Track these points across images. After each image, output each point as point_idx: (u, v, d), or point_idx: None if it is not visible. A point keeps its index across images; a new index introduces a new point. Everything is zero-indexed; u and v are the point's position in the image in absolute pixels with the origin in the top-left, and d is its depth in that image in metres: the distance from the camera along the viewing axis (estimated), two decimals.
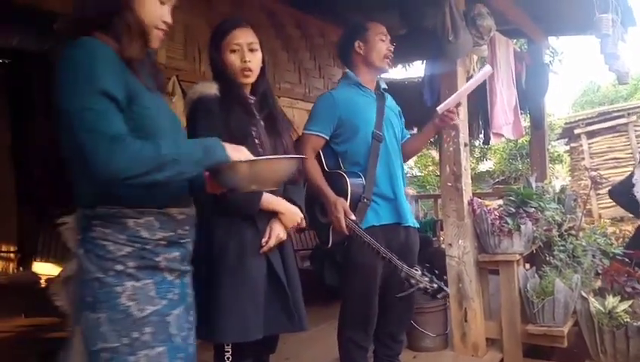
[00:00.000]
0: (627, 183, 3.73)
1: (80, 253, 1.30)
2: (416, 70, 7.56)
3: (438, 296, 2.19)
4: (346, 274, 2.36)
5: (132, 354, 1.28)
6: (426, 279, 2.15)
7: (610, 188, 4.23)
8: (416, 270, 2.16)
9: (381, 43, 2.39)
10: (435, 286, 2.16)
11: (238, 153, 1.37)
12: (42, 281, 4.93)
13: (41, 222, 5.24)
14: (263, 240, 1.83)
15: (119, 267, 1.29)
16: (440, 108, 2.32)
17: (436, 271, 2.20)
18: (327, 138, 2.34)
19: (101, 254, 1.29)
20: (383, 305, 2.39)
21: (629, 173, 4.08)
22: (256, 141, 1.87)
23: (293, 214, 1.89)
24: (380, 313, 2.40)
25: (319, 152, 2.39)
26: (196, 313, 1.51)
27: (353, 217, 2.20)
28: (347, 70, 2.44)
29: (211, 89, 1.86)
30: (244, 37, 1.88)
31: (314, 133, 2.34)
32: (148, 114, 1.32)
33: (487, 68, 2.51)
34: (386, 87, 2.50)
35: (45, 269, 4.94)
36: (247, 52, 1.87)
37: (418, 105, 3.69)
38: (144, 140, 1.24)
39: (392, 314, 2.44)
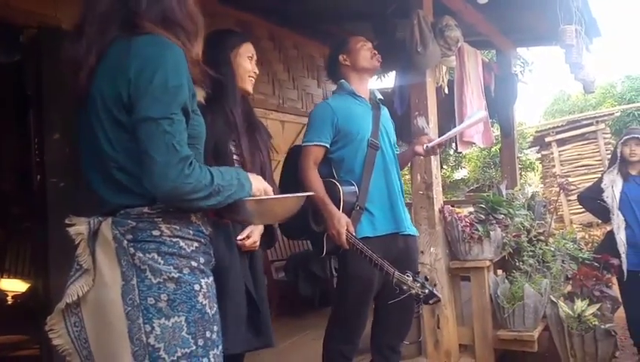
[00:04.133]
0: (595, 189, 3.78)
1: (137, 256, 1.19)
2: (391, 80, 7.64)
3: (430, 302, 2.14)
4: (340, 285, 2.35)
5: (205, 356, 1.23)
6: (418, 285, 2.11)
7: (578, 194, 4.26)
8: (407, 276, 2.11)
9: (363, 49, 2.43)
10: (427, 291, 2.11)
11: (259, 183, 1.36)
12: (9, 298, 4.81)
13: (10, 239, 5.12)
14: (240, 237, 1.84)
15: (194, 263, 1.24)
16: (431, 145, 2.38)
17: (427, 277, 2.17)
18: (328, 146, 2.32)
19: (174, 251, 1.22)
20: (381, 316, 2.38)
21: (595, 179, 4.16)
22: (235, 157, 1.89)
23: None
24: (377, 323, 2.40)
25: None
26: None
27: (352, 230, 2.19)
28: (341, 80, 2.45)
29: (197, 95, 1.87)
30: (253, 49, 2.04)
31: (315, 144, 2.31)
32: (199, 122, 1.31)
33: (483, 113, 2.68)
34: (382, 98, 2.52)
35: (13, 286, 4.83)
36: (255, 63, 2.03)
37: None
38: (198, 161, 1.22)
39: (391, 325, 2.41)
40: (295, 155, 2.42)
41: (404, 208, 2.41)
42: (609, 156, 9.60)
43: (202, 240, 1.29)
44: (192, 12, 1.32)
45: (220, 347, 1.30)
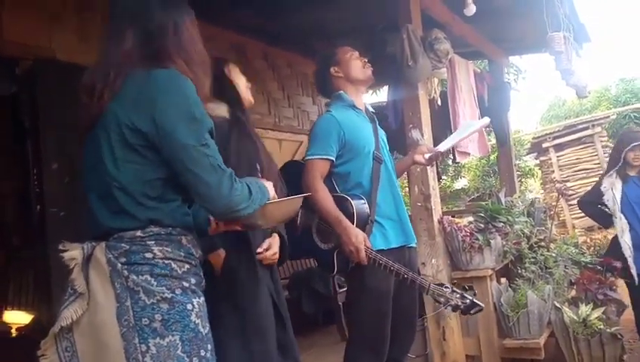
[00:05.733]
0: (595, 193, 3.74)
1: (131, 278, 1.24)
2: (384, 94, 7.70)
3: (472, 312, 2.07)
4: (357, 302, 2.26)
5: None
6: (457, 295, 2.05)
7: (578, 199, 4.22)
8: (446, 288, 2.07)
9: (354, 59, 2.39)
10: (468, 301, 2.04)
11: (272, 189, 1.46)
12: (13, 331, 4.78)
13: (11, 269, 5.11)
14: (259, 249, 1.90)
15: (185, 284, 1.30)
16: (438, 148, 2.42)
17: (466, 287, 2.13)
18: (334, 160, 2.25)
19: (166, 273, 1.27)
20: (391, 330, 2.30)
21: (594, 182, 4.10)
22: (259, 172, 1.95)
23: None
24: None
25: None
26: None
27: (370, 245, 2.14)
28: (340, 92, 2.37)
29: (221, 110, 1.94)
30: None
31: (321, 157, 2.23)
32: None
33: (486, 120, 2.70)
34: (374, 111, 2.50)
35: (17, 318, 4.80)
36: None
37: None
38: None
39: (399, 338, 2.34)
40: (290, 170, 2.40)
41: (408, 219, 2.39)
42: (607, 159, 9.72)
43: (192, 262, 1.35)
44: (202, 51, 1.44)
45: None
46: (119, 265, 1.25)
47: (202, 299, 1.34)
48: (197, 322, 1.28)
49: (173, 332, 1.24)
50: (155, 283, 1.25)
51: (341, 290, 4.03)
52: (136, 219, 1.28)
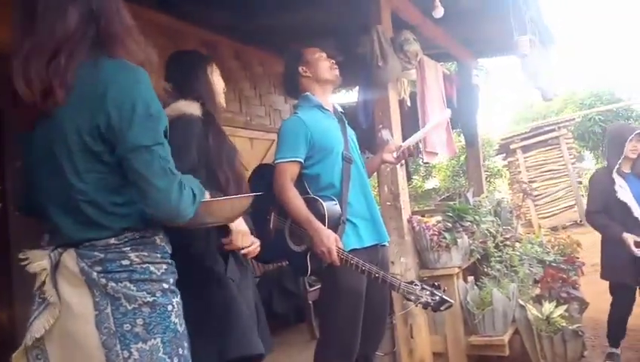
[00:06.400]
0: (598, 196, 3.46)
1: (110, 286, 1.20)
2: (355, 95, 7.74)
3: (442, 309, 2.08)
4: (330, 302, 2.27)
5: None
6: (427, 293, 2.06)
7: (586, 213, 3.77)
8: (416, 285, 2.08)
9: (322, 60, 2.41)
10: (438, 298, 2.06)
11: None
12: None
13: None
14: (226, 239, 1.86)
15: (165, 285, 1.28)
16: (400, 150, 2.43)
17: (436, 284, 2.12)
18: (303, 161, 2.25)
19: (145, 277, 1.25)
20: (362, 329, 2.32)
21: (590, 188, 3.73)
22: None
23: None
24: None
25: None
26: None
27: (341, 245, 2.15)
28: (307, 93, 2.38)
29: (193, 109, 1.89)
30: None
31: (290, 160, 2.23)
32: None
33: (447, 112, 2.69)
34: (343, 111, 2.50)
35: None
36: None
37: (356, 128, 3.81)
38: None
39: (369, 336, 2.37)
40: (261, 174, 2.40)
41: (381, 218, 2.42)
42: (572, 160, 10.02)
43: (168, 261, 1.33)
44: (143, 42, 1.34)
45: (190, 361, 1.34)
46: (94, 273, 1.21)
47: (179, 296, 1.33)
48: (176, 322, 1.28)
49: (155, 335, 1.23)
50: (135, 289, 1.23)
51: (311, 289, 4.04)
52: (109, 228, 1.24)
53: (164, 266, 1.30)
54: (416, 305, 2.16)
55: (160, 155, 1.20)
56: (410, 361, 3.10)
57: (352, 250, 2.20)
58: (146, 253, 1.26)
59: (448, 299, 2.08)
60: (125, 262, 1.23)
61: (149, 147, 1.19)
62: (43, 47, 1.20)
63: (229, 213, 1.54)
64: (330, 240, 2.11)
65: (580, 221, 8.99)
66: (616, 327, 3.49)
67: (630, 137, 3.39)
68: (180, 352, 1.28)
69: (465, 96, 4.84)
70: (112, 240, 1.23)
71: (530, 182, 8.82)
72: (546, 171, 9.97)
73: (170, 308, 1.27)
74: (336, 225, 2.20)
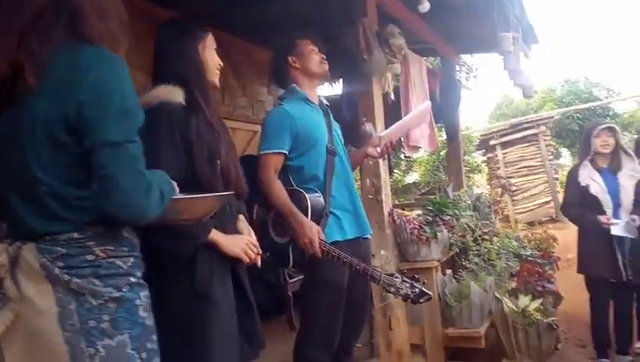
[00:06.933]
0: (575, 191, 3.48)
1: (74, 282, 1.16)
2: (340, 87, 7.74)
3: (421, 301, 2.12)
4: (312, 293, 2.28)
5: None
6: (407, 285, 2.09)
7: (562, 209, 3.85)
8: (396, 278, 2.11)
9: (313, 53, 2.37)
10: (417, 290, 2.09)
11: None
12: None
13: None
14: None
15: (132, 279, 1.24)
16: (382, 144, 2.41)
17: (415, 276, 2.15)
18: (287, 153, 2.24)
19: (111, 272, 1.20)
20: (343, 320, 2.34)
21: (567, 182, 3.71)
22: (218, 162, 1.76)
23: (232, 245, 1.74)
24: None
25: None
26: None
27: (323, 237, 2.16)
28: (293, 85, 2.36)
29: (175, 96, 1.68)
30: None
31: (274, 151, 2.22)
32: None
33: (427, 103, 2.66)
34: (328, 104, 2.50)
35: None
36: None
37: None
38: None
39: (350, 328, 2.39)
40: (244, 165, 2.39)
41: (363, 211, 2.43)
42: (550, 157, 10.19)
43: (135, 253, 1.29)
44: (119, 24, 1.28)
45: (159, 357, 1.30)
46: (57, 269, 1.16)
47: (147, 289, 1.29)
48: (144, 316, 1.25)
49: (122, 331, 1.19)
50: (102, 284, 1.18)
51: (291, 281, 4.05)
52: (72, 222, 1.18)
53: (132, 259, 1.26)
54: (396, 297, 2.20)
55: (130, 154, 1.14)
56: (388, 352, 3.14)
57: (335, 242, 2.21)
58: (111, 247, 1.22)
59: (427, 291, 2.12)
60: (90, 257, 1.19)
61: (120, 144, 1.13)
62: (11, 25, 1.15)
63: (198, 212, 1.48)
64: (312, 232, 2.12)
65: (556, 217, 9.15)
66: (599, 331, 3.51)
67: (594, 132, 3.46)
68: (149, 346, 1.25)
69: (447, 91, 4.88)
70: (75, 235, 1.18)
71: (508, 177, 8.95)
72: (523, 167, 10.12)
73: (138, 302, 1.23)
74: (319, 217, 2.20)
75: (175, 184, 1.37)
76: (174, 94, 1.68)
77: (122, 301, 1.20)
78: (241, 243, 1.74)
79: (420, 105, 4.02)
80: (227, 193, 1.56)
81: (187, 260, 1.62)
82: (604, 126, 3.50)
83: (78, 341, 1.16)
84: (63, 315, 1.16)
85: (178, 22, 1.91)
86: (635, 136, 13.55)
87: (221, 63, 1.88)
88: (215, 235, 1.66)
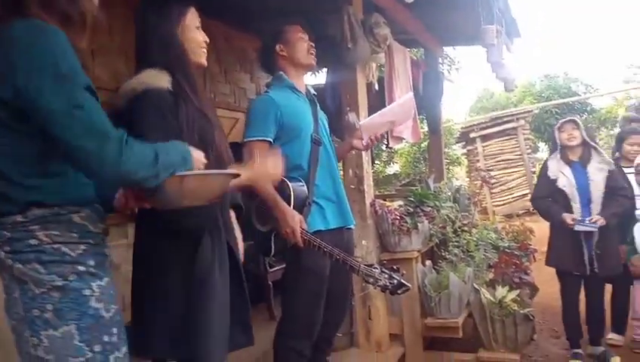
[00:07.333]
0: (545, 184, 3.53)
1: (16, 267, 1.13)
2: (324, 77, 7.70)
3: (399, 292, 2.13)
4: (293, 281, 2.28)
5: (105, 361, 1.19)
6: (385, 276, 2.10)
7: (532, 200, 3.85)
8: (375, 268, 2.11)
9: (302, 41, 2.36)
10: (396, 281, 2.10)
11: (200, 157, 1.33)
12: None
13: None
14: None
15: (81, 268, 1.18)
16: (364, 125, 2.41)
17: (395, 267, 2.15)
18: (272, 141, 2.22)
19: (55, 259, 1.15)
20: (325, 310, 2.35)
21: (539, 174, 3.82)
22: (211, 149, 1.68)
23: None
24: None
25: None
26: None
27: (305, 227, 2.15)
28: (280, 73, 2.35)
29: (161, 81, 1.61)
30: (198, 16, 1.77)
31: (259, 139, 2.20)
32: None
33: (410, 94, 2.66)
34: (315, 93, 2.48)
35: None
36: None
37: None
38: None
39: (331, 318, 2.40)
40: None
41: (347, 201, 2.43)
42: (528, 150, 10.33)
43: (91, 241, 1.23)
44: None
45: (125, 348, 1.26)
46: (3, 254, 1.14)
47: (106, 279, 1.24)
48: (98, 307, 1.19)
49: (68, 321, 1.15)
50: (45, 271, 1.14)
51: (272, 270, 4.03)
52: (14, 202, 1.14)
53: (82, 247, 1.20)
54: (375, 288, 2.20)
55: (80, 116, 1.09)
56: (367, 342, 3.16)
57: (317, 232, 2.22)
58: (57, 232, 1.17)
59: (406, 283, 2.13)
60: (33, 242, 1.14)
61: (63, 111, 1.09)
62: None
63: (204, 194, 1.38)
64: (294, 221, 2.11)
65: (533, 209, 9.29)
66: (570, 321, 3.57)
67: (558, 126, 3.53)
68: (106, 339, 1.19)
69: (430, 83, 4.89)
70: (19, 218, 1.14)
71: (487, 170, 9.05)
72: (502, 160, 10.27)
73: (87, 292, 1.18)
74: (302, 206, 2.20)
75: (199, 154, 1.33)
76: (160, 79, 1.62)
77: (66, 290, 1.16)
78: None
79: (402, 95, 4.03)
80: (234, 172, 1.48)
81: (190, 245, 1.59)
82: (566, 119, 3.55)
83: (23, 329, 1.14)
84: (8, 303, 1.15)
85: (155, 2, 1.78)
86: (612, 132, 13.87)
87: (207, 40, 1.79)
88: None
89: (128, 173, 1.13)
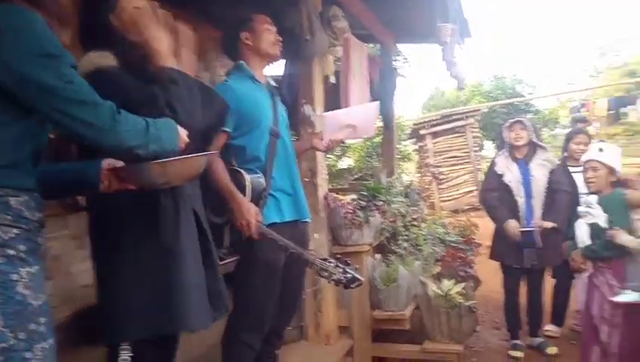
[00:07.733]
0: (492, 178, 3.67)
1: None
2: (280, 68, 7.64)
3: (352, 286, 2.15)
4: (246, 273, 2.25)
5: (29, 350, 1.15)
6: (340, 270, 2.12)
7: (479, 192, 4.05)
8: (329, 262, 2.12)
9: (268, 32, 2.32)
10: (349, 276, 2.12)
11: (184, 137, 1.44)
12: None
13: None
14: None
15: (11, 252, 1.15)
16: (326, 118, 2.45)
17: (348, 261, 2.17)
18: (230, 131, 2.19)
19: None
20: (278, 303, 2.34)
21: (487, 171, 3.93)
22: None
23: None
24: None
25: None
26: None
27: (261, 219, 2.13)
28: (241, 62, 2.31)
29: (108, 59, 1.58)
30: None
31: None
32: None
33: (376, 103, 2.76)
34: (276, 85, 2.45)
35: None
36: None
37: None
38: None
39: (283, 312, 2.40)
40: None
41: (304, 195, 2.43)
42: (475, 148, 10.64)
43: (25, 227, 1.21)
44: None
45: (51, 340, 1.23)
46: None
47: (36, 267, 1.21)
48: (25, 293, 1.16)
49: None
50: None
51: (223, 262, 3.99)
52: None
53: (15, 231, 1.17)
54: (329, 282, 2.22)
55: (73, 90, 1.19)
56: (317, 335, 3.18)
57: (273, 224, 2.21)
58: None
59: (359, 277, 2.16)
60: None
61: (59, 86, 1.17)
62: None
63: (186, 174, 1.49)
64: (250, 213, 2.10)
65: (478, 205, 9.60)
66: (511, 313, 3.75)
67: (507, 125, 3.72)
68: (32, 328, 1.16)
69: (385, 78, 4.94)
70: None
71: (436, 166, 9.27)
72: (451, 157, 10.52)
73: (15, 277, 1.15)
74: (258, 198, 2.19)
75: (184, 133, 1.44)
76: (105, 57, 1.59)
77: None
78: None
79: (357, 91, 4.06)
80: (213, 153, 1.56)
81: (150, 214, 1.57)
82: (515, 119, 3.74)
83: None
84: None
85: None
86: (553, 132, 14.49)
87: (138, 5, 1.64)
88: None
89: (126, 141, 1.25)
